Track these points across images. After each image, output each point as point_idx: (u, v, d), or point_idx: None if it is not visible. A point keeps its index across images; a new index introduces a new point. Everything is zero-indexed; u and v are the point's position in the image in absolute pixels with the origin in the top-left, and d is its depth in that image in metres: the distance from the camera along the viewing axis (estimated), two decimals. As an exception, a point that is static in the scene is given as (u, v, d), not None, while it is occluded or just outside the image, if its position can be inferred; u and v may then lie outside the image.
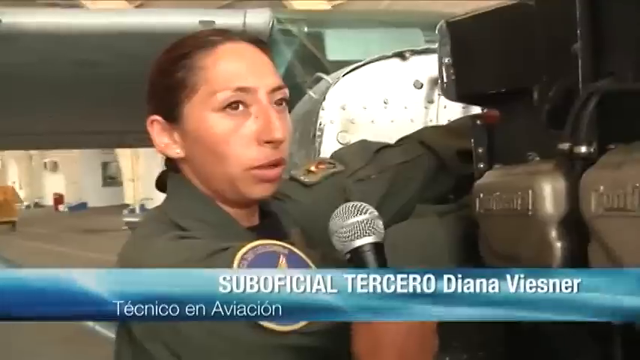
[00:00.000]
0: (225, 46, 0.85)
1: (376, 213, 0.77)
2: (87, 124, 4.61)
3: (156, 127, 0.86)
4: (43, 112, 4.09)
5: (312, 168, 1.05)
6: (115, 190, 22.79)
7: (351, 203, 0.78)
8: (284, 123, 0.85)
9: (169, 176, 0.90)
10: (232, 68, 0.83)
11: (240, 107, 0.82)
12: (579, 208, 0.70)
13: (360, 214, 0.76)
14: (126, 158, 19.46)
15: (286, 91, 0.87)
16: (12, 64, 2.86)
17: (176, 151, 0.86)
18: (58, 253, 10.62)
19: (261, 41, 0.89)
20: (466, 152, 1.07)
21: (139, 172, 18.53)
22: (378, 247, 0.75)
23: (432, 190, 1.10)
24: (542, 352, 0.99)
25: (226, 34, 0.87)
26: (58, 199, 24.40)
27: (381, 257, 0.75)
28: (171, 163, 0.90)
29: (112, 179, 24.39)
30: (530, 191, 0.76)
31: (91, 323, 3.02)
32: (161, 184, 0.94)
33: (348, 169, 1.06)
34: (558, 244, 0.74)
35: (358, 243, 0.75)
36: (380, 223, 0.77)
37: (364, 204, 0.78)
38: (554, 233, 0.75)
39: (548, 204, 0.75)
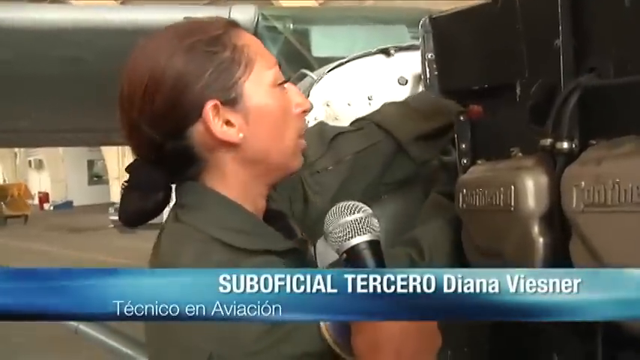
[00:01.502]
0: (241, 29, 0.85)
1: (370, 211, 0.77)
2: (72, 121, 4.56)
3: (212, 112, 0.78)
4: (26, 110, 4.05)
5: None
6: (101, 188, 22.63)
7: (344, 203, 0.77)
8: None
9: (187, 185, 0.83)
10: (263, 48, 0.84)
11: (284, 81, 0.84)
12: (561, 204, 0.70)
13: (354, 213, 0.76)
14: (112, 156, 19.32)
15: None
16: (-6, 61, 2.83)
17: (239, 136, 0.80)
18: (44, 252, 10.53)
19: None
20: (426, 136, 1.07)
21: (125, 170, 18.41)
22: (374, 244, 0.75)
23: (392, 174, 1.10)
24: (526, 349, 1.00)
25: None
26: (43, 197, 24.18)
27: (378, 255, 0.75)
28: (187, 169, 0.82)
29: (97, 177, 24.23)
30: (512, 187, 0.76)
31: (74, 324, 3.01)
32: (141, 216, 0.84)
33: (306, 159, 1.03)
34: (540, 240, 0.74)
35: (354, 242, 0.74)
36: (375, 221, 0.76)
37: (357, 203, 0.77)
38: (536, 229, 0.75)
39: (530, 200, 0.75)
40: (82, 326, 3.02)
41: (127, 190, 0.85)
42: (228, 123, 0.79)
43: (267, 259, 0.78)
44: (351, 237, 0.74)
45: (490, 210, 0.81)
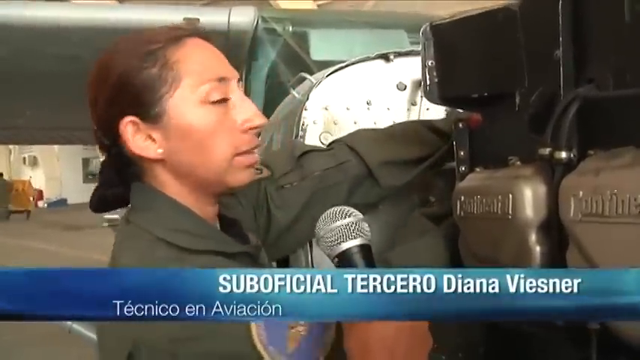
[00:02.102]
0: (192, 39, 0.84)
1: (361, 216, 0.77)
2: (67, 119, 4.55)
3: (130, 129, 0.81)
4: (22, 107, 4.04)
5: None
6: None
7: (335, 208, 0.78)
8: None
9: (135, 186, 0.85)
10: (207, 61, 0.83)
11: (221, 97, 0.82)
12: (558, 213, 0.71)
13: (345, 218, 0.76)
14: (107, 155, 19.27)
15: None
16: (-9, 58, 2.82)
17: (158, 151, 0.82)
18: (38, 250, 10.50)
19: (209, 37, 0.88)
20: (396, 162, 1.08)
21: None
22: (365, 248, 0.75)
23: (359, 196, 1.10)
24: (520, 355, 1.00)
25: (186, 30, 0.85)
26: (38, 195, 24.10)
27: (369, 259, 0.75)
28: (130, 172, 0.85)
29: (93, 176, 24.08)
30: (510, 195, 0.77)
31: (68, 323, 3.00)
32: (101, 203, 0.91)
33: (274, 174, 1.05)
34: (537, 249, 0.75)
35: (345, 246, 0.75)
36: (366, 226, 0.77)
37: (348, 207, 0.77)
38: (533, 238, 0.75)
39: (528, 208, 0.75)
40: (76, 325, 3.02)
41: (98, 181, 0.93)
42: (150, 138, 0.81)
43: (213, 259, 0.78)
44: (343, 241, 0.75)
45: (487, 218, 0.81)
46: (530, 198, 0.75)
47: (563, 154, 0.72)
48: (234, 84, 0.84)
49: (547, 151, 0.73)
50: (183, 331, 0.72)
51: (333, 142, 1.15)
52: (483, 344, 1.18)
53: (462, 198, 0.88)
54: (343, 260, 0.75)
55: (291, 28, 2.48)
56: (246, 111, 0.83)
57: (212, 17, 2.38)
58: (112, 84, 0.81)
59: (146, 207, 0.84)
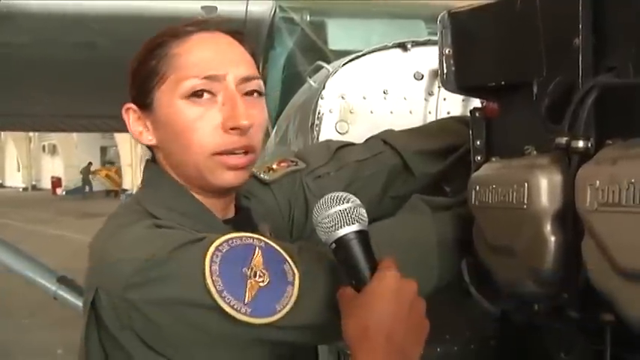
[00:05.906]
0: (200, 35, 0.86)
1: (359, 202, 0.76)
2: (86, 107, 4.58)
3: (131, 115, 0.88)
4: (42, 94, 4.07)
5: (274, 166, 1.06)
6: (114, 174, 22.79)
7: (333, 193, 0.76)
8: (253, 111, 0.85)
9: (145, 165, 0.91)
10: (202, 56, 0.84)
11: (207, 95, 0.83)
12: (574, 203, 0.70)
13: (343, 203, 0.75)
14: (125, 143, 19.44)
15: (260, 82, 0.87)
16: (10, 45, 2.85)
17: (148, 138, 0.87)
18: (56, 236, 10.63)
19: (238, 32, 0.90)
20: (428, 151, 1.10)
21: (137, 158, 18.60)
22: (362, 235, 0.74)
23: (396, 188, 1.11)
24: (532, 347, 1.00)
25: (203, 24, 0.88)
26: (56, 182, 24.38)
27: (367, 245, 0.74)
28: (151, 153, 0.91)
29: (110, 164, 24.38)
30: (525, 184, 0.76)
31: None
32: None
33: (309, 166, 1.07)
34: (552, 239, 0.74)
35: (342, 232, 0.74)
36: (363, 212, 0.75)
37: (346, 193, 0.77)
38: (548, 227, 0.74)
39: (544, 198, 0.75)
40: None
41: None
42: (145, 126, 0.87)
43: (189, 234, 0.79)
44: (340, 227, 0.74)
45: (503, 207, 0.81)
46: (545, 187, 0.74)
47: (581, 144, 0.71)
48: (231, 82, 0.84)
49: (564, 140, 0.73)
50: (136, 277, 0.73)
51: (368, 139, 1.16)
52: (495, 337, 1.18)
53: (477, 187, 0.87)
54: (340, 246, 0.74)
55: (308, 18, 2.47)
56: (230, 111, 0.83)
57: (230, 6, 2.38)
58: (129, 74, 0.88)
59: (146, 183, 0.89)
